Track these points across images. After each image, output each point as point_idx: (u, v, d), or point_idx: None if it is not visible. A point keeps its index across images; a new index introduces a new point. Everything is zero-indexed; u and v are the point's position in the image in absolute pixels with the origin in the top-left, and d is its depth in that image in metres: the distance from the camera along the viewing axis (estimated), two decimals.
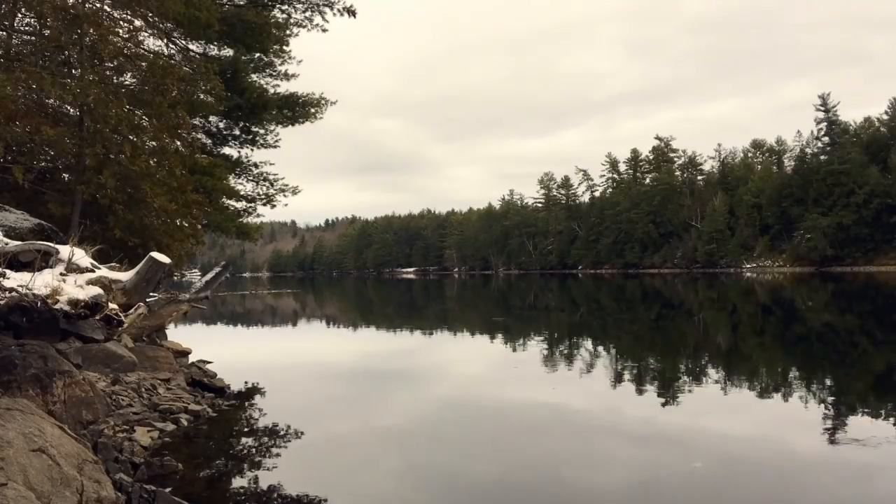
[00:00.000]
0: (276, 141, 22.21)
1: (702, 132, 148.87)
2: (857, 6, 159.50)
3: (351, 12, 19.97)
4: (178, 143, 14.37)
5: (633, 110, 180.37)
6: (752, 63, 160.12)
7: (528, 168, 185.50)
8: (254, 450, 6.83)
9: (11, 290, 5.35)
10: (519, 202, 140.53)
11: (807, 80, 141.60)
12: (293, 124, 21.90)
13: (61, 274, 6.06)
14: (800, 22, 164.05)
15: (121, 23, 13.55)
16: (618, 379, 10.83)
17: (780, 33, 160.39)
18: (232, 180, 21.37)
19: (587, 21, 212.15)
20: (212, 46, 19.60)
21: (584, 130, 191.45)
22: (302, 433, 7.39)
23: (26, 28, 13.46)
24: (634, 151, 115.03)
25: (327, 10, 20.02)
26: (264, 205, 22.19)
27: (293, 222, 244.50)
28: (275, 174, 22.17)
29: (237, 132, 21.85)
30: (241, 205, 22.13)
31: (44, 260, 6.06)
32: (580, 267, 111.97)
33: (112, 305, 6.42)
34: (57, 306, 5.62)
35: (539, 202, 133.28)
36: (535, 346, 15.83)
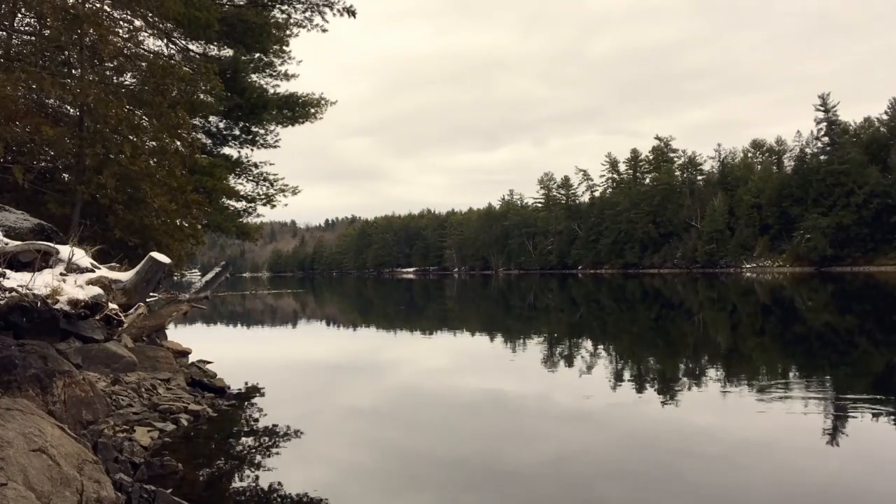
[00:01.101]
0: (276, 141, 22.21)
1: (620, 150, 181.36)
2: (738, 49, 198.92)
3: (351, 12, 19.95)
4: (178, 143, 14.36)
5: (559, 129, 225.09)
6: (653, 92, 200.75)
7: (473, 176, 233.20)
8: (254, 450, 6.83)
9: (11, 290, 5.36)
10: (519, 202, 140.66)
11: (704, 107, 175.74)
12: (293, 124, 21.88)
13: (61, 274, 6.06)
14: (691, 60, 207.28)
15: (121, 23, 13.56)
16: (617, 378, 10.84)
17: (673, 69, 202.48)
18: (232, 180, 21.34)
19: (511, 62, 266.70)
20: (212, 46, 19.58)
21: (518, 146, 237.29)
22: (302, 433, 7.39)
23: (26, 28, 13.46)
24: (634, 151, 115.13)
25: (327, 10, 19.99)
26: (264, 205, 22.18)
27: (293, 222, 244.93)
28: (275, 174, 22.18)
29: (237, 132, 21.83)
30: (241, 205, 22.11)
31: (44, 260, 6.06)
32: (580, 267, 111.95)
33: (112, 305, 6.42)
34: (57, 306, 5.62)
35: (539, 202, 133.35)
36: (536, 347, 15.84)
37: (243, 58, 20.28)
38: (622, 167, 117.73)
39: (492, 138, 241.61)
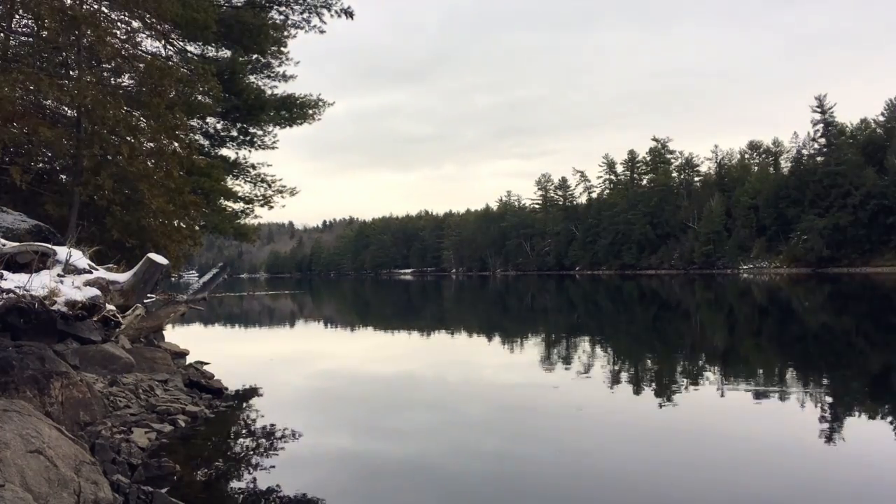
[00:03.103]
0: (274, 142, 22.20)
1: (508, 170, 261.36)
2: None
3: (348, 13, 19.94)
4: (176, 144, 14.35)
5: (455, 158, 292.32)
6: (520, 130, 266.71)
7: (394, 191, 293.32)
8: (251, 451, 6.84)
9: (9, 291, 5.36)
10: (516, 203, 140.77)
11: (556, 141, 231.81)
12: (291, 125, 21.86)
13: (59, 275, 6.07)
14: (541, 111, 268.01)
15: (118, 24, 13.55)
16: (614, 378, 10.85)
17: (533, 116, 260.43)
18: (229, 181, 21.31)
19: (411, 113, 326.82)
20: (209, 48, 19.56)
21: (424, 170, 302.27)
22: (299, 434, 7.39)
23: (24, 29, 13.45)
24: (631, 153, 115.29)
25: (325, 11, 20.00)
26: (262, 206, 22.14)
27: (291, 223, 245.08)
28: (272, 175, 22.17)
29: (235, 133, 21.81)
30: (238, 206, 22.08)
31: (41, 261, 6.07)
32: (577, 268, 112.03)
33: (109, 307, 6.43)
34: (54, 307, 5.63)
35: (536, 203, 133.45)
36: (536, 349, 15.85)
37: (241, 59, 20.26)
38: (619, 168, 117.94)
39: (402, 163, 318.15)
